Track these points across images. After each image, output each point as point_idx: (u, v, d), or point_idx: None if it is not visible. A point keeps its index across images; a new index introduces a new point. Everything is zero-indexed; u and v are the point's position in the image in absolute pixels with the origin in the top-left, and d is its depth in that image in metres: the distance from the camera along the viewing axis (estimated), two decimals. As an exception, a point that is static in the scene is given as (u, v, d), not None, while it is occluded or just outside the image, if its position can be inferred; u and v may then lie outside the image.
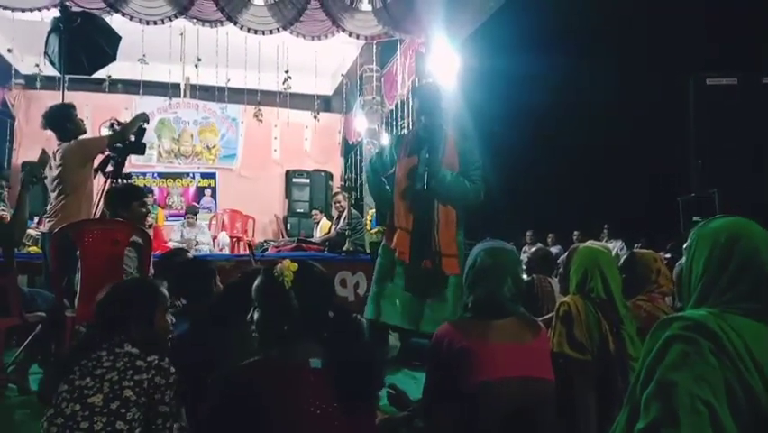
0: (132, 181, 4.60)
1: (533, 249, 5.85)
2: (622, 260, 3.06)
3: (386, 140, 8.27)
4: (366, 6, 7.28)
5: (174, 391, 1.86)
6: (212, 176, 10.07)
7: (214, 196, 10.00)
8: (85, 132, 4.42)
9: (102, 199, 4.09)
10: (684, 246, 1.49)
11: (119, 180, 4.42)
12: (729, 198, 5.62)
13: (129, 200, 3.61)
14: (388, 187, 3.82)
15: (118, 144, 4.31)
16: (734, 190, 5.69)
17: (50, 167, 4.06)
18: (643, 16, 8.72)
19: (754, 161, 6.11)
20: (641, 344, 2.31)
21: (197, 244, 7.87)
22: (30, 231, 6.20)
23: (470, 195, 3.53)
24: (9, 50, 8.45)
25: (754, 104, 6.18)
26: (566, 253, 2.66)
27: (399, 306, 3.47)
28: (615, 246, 9.51)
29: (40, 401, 2.93)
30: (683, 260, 1.48)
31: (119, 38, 5.85)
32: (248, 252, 4.43)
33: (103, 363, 1.83)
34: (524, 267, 4.49)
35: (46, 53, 5.63)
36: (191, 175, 10.01)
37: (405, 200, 3.52)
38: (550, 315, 2.65)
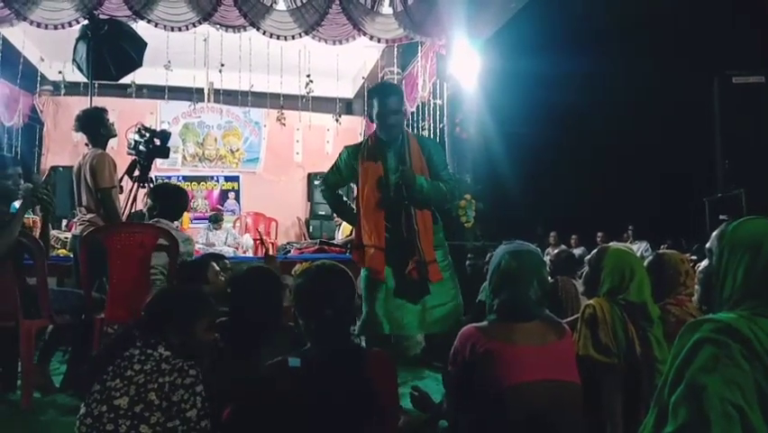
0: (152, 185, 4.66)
1: (556, 251, 5.81)
2: (647, 261, 3.02)
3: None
4: (387, 10, 7.28)
5: (194, 395, 1.83)
6: (235, 179, 10.18)
7: (237, 199, 10.11)
8: (115, 135, 4.50)
9: (145, 196, 4.15)
10: (707, 247, 1.45)
11: (145, 184, 4.49)
12: (756, 197, 5.52)
13: (183, 203, 3.70)
14: (347, 200, 3.70)
15: (142, 148, 4.39)
16: (761, 190, 5.59)
17: (81, 172, 4.15)
18: (668, 14, 8.60)
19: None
20: (668, 347, 2.29)
21: (238, 245, 7.99)
22: (58, 234, 6.35)
23: (447, 197, 3.36)
24: (42, 59, 8.63)
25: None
26: (592, 253, 2.62)
27: (399, 316, 3.24)
28: (639, 248, 9.38)
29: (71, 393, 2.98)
30: (707, 263, 1.44)
31: (145, 44, 5.96)
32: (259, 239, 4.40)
33: (133, 365, 1.84)
34: (548, 269, 4.49)
35: (74, 60, 5.75)
36: (215, 178, 10.14)
37: (377, 215, 3.24)
38: (574, 317, 2.63)
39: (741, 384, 1.12)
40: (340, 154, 3.54)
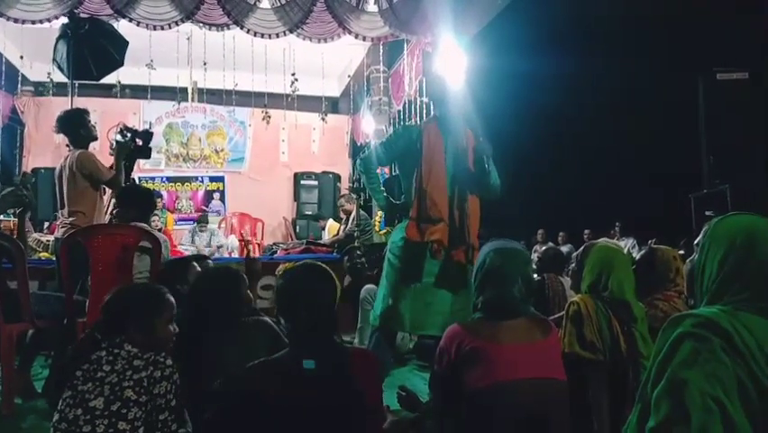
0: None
1: (543, 248, 5.82)
2: (638, 256, 3.02)
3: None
4: (372, 7, 7.26)
5: (174, 385, 1.87)
6: (220, 179, 10.12)
7: (222, 199, 10.05)
8: (96, 138, 4.44)
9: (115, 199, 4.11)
10: (696, 243, 1.46)
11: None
12: (741, 193, 5.56)
13: (150, 206, 3.64)
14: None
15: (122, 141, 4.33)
16: (746, 186, 5.62)
17: (63, 174, 4.09)
18: (652, 13, 8.64)
19: (766, 156, 6.04)
20: (653, 343, 2.28)
21: (219, 248, 7.95)
22: (40, 237, 6.27)
23: (499, 188, 3.40)
24: (21, 57, 8.52)
25: (764, 97, 6.11)
26: (580, 249, 2.62)
27: (429, 309, 3.21)
28: (627, 244, 9.44)
29: (47, 402, 2.95)
30: (694, 257, 1.45)
31: (126, 43, 5.88)
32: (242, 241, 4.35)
33: (102, 366, 1.84)
34: (534, 266, 4.49)
35: (54, 59, 5.66)
36: (200, 179, 10.07)
37: (443, 189, 3.26)
38: (561, 314, 2.62)
39: (721, 378, 1.13)
40: (396, 131, 3.71)
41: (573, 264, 2.62)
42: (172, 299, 2.09)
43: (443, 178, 3.27)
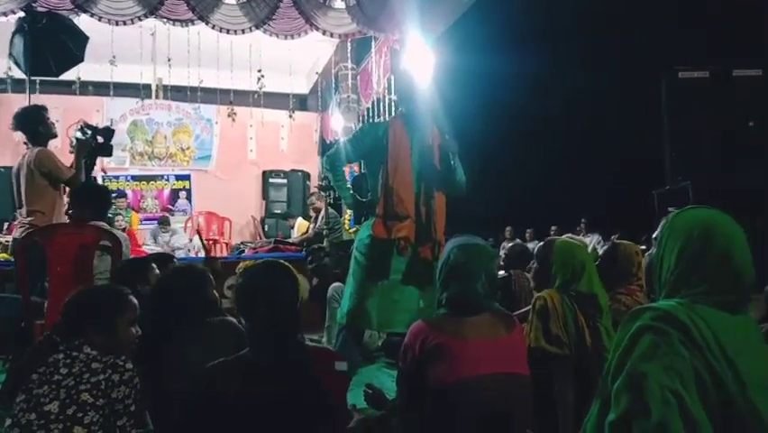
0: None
1: (510, 244, 5.87)
2: (601, 251, 3.06)
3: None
4: (339, 4, 7.23)
5: (134, 390, 1.82)
6: (187, 178, 9.95)
7: (189, 198, 9.89)
8: (55, 135, 4.31)
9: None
10: (654, 237, 1.47)
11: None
12: (703, 189, 5.68)
13: (103, 204, 3.55)
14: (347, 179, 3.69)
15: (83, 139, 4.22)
16: (707, 182, 5.75)
17: (20, 172, 3.96)
18: (615, 12, 8.79)
19: (727, 153, 6.19)
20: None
21: (175, 250, 7.79)
22: (-1, 238, 6.08)
23: (464, 185, 3.41)
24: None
25: (725, 96, 6.26)
26: (539, 247, 2.63)
27: (396, 306, 3.21)
28: (592, 240, 9.59)
29: (1, 407, 2.86)
30: (653, 251, 1.47)
31: (86, 38, 5.74)
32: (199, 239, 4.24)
33: (59, 369, 1.79)
34: (501, 263, 4.51)
35: (11, 54, 5.50)
36: (165, 177, 9.88)
37: (409, 185, 3.26)
38: (526, 309, 2.64)
39: (680, 371, 1.14)
40: (362, 129, 3.73)
41: (535, 264, 2.63)
42: (134, 300, 2.04)
43: (408, 175, 3.27)
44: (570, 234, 5.07)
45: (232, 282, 4.47)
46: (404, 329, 3.39)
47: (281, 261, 1.92)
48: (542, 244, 2.64)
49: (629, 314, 1.28)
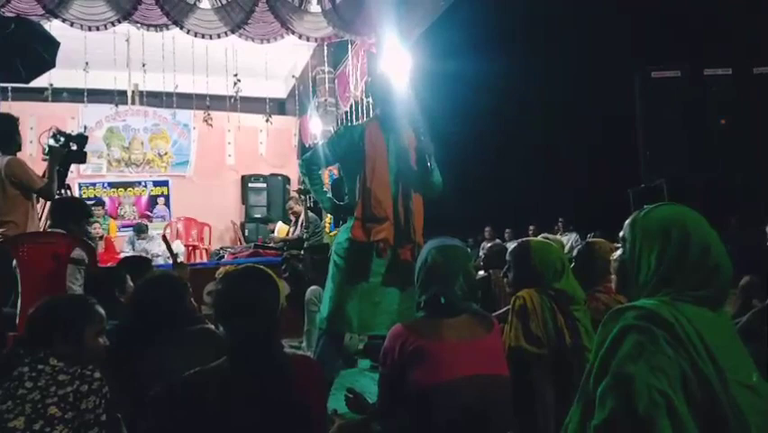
0: (70, 192, 4.42)
1: (489, 244, 5.89)
2: (576, 250, 3.07)
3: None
4: (315, 8, 7.22)
5: (103, 399, 1.77)
6: (165, 184, 9.85)
7: (167, 204, 9.78)
8: (21, 145, 4.23)
9: (47, 212, 3.94)
10: (621, 236, 1.45)
11: (62, 192, 4.26)
12: (677, 187, 5.77)
13: (77, 215, 3.48)
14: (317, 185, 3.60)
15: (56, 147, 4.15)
16: (681, 180, 5.85)
17: None
18: (588, 13, 8.89)
19: (700, 150, 6.30)
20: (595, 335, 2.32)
21: (156, 256, 7.68)
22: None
23: (439, 184, 3.36)
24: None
25: (697, 94, 6.38)
26: (513, 249, 2.62)
27: (377, 309, 3.19)
28: (569, 239, 9.67)
29: None
30: (621, 252, 1.44)
31: (57, 44, 5.63)
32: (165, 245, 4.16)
33: (24, 383, 1.73)
34: (481, 263, 4.52)
35: (-22, 60, 5.38)
36: (143, 184, 9.77)
37: (386, 187, 3.24)
38: (505, 309, 2.64)
39: (666, 371, 1.12)
40: (337, 132, 3.62)
41: (510, 265, 2.60)
42: (101, 310, 1.99)
43: (386, 176, 3.25)
44: (545, 235, 5.10)
45: (211, 288, 4.42)
46: (385, 332, 3.38)
47: (261, 266, 1.89)
48: (516, 245, 2.64)
49: (610, 313, 1.26)
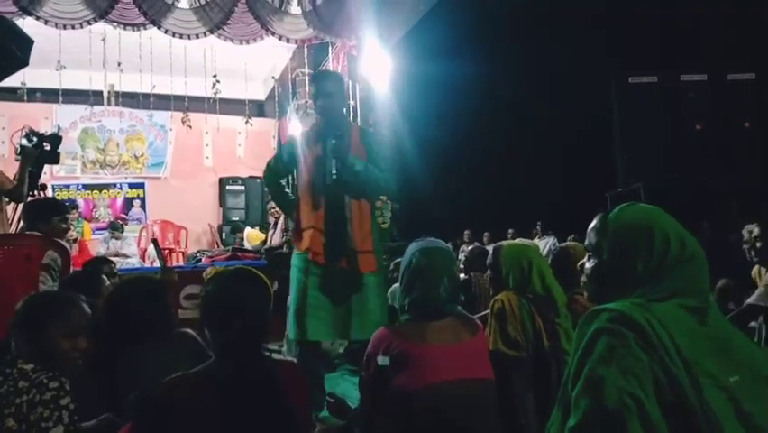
0: (44, 193, 4.32)
1: (470, 247, 5.90)
2: (552, 255, 3.08)
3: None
4: (295, 9, 7.18)
5: (58, 410, 1.62)
6: (140, 186, 9.70)
7: (143, 206, 9.64)
8: None
9: (19, 213, 3.84)
10: (588, 243, 1.42)
11: (35, 192, 4.16)
12: (653, 190, 5.85)
13: (49, 215, 3.38)
14: (288, 190, 3.57)
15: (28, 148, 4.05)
16: (657, 183, 5.93)
17: None
18: (568, 18, 8.99)
19: (675, 155, 6.40)
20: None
21: (126, 257, 7.55)
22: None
23: (380, 184, 3.25)
24: None
25: (673, 100, 6.48)
26: (491, 253, 2.63)
27: (325, 317, 3.13)
28: (547, 243, 9.73)
29: None
30: (594, 261, 1.40)
31: (31, 42, 5.50)
32: (156, 251, 4.07)
33: None
34: (461, 266, 4.53)
35: (-52, 58, 5.24)
36: (118, 186, 9.61)
37: (312, 196, 3.18)
38: (486, 312, 2.64)
39: (637, 374, 1.12)
40: (289, 139, 3.58)
41: (489, 271, 2.62)
42: (78, 308, 1.85)
43: (313, 184, 3.18)
44: (520, 239, 5.14)
45: (192, 292, 4.34)
46: (333, 338, 3.34)
47: (252, 268, 1.85)
48: (491, 250, 2.64)
49: (586, 316, 1.25)
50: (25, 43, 5.25)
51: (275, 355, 4.02)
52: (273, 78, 9.82)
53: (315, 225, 3.16)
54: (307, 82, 8.93)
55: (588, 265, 1.41)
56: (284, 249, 6.56)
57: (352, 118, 7.78)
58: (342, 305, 3.15)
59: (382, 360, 1.73)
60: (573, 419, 1.15)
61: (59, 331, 1.77)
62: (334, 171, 3.08)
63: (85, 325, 1.86)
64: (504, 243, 2.64)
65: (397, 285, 4.10)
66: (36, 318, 1.77)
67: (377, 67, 7.03)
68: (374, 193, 3.34)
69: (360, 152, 3.22)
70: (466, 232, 11.31)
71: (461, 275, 4.07)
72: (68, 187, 9.24)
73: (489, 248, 2.77)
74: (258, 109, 10.66)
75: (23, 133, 4.27)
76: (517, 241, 2.73)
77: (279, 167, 3.47)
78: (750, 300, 3.48)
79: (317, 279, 3.15)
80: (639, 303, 1.22)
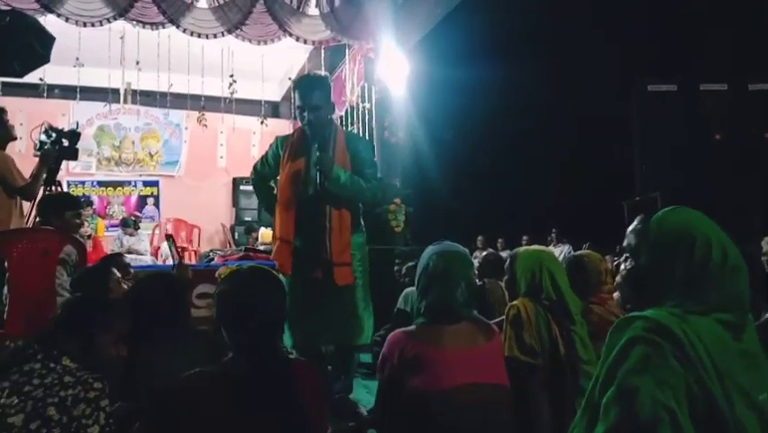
0: (60, 189, 4.36)
1: (483, 253, 5.87)
2: (566, 264, 3.05)
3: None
4: (313, 11, 7.18)
5: (99, 411, 1.68)
6: (155, 184, 9.77)
7: (157, 204, 9.69)
8: (15, 138, 4.18)
9: (34, 208, 3.86)
10: (628, 245, 1.38)
11: (52, 188, 4.20)
12: (672, 200, 5.79)
13: (62, 209, 3.40)
14: (276, 193, 3.48)
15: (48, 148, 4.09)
16: (676, 192, 5.86)
17: None
18: (589, 25, 8.95)
19: (694, 164, 6.33)
20: (592, 346, 2.30)
21: (139, 254, 7.59)
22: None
23: (366, 195, 3.20)
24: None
25: (692, 108, 6.41)
26: (508, 259, 2.61)
27: (314, 326, 3.11)
28: (563, 250, 9.66)
29: None
30: (632, 263, 1.37)
31: (53, 39, 5.56)
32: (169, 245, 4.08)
33: (32, 380, 1.67)
34: (476, 272, 4.49)
35: (-29, 54, 5.30)
36: (133, 183, 9.68)
37: (289, 209, 3.13)
38: (500, 318, 2.61)
39: (672, 385, 1.10)
40: (271, 144, 3.44)
41: (507, 276, 2.61)
42: (123, 319, 1.94)
43: (292, 193, 3.14)
44: (536, 246, 5.09)
45: (204, 290, 4.33)
46: (320, 343, 3.29)
47: (266, 267, 1.85)
48: (509, 255, 2.63)
49: (618, 322, 1.23)
50: (47, 40, 5.31)
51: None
52: (289, 78, 9.83)
53: (285, 235, 3.13)
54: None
55: (624, 267, 1.39)
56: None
57: (367, 121, 7.79)
58: (320, 311, 3.12)
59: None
60: (602, 427, 1.13)
61: (110, 338, 1.87)
62: (318, 183, 3.04)
63: (126, 333, 1.95)
64: (522, 248, 2.61)
65: (409, 289, 4.10)
66: (92, 323, 1.86)
67: (394, 70, 7.02)
68: (356, 203, 3.29)
69: (345, 157, 3.17)
70: (479, 238, 11.25)
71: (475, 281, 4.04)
72: (83, 183, 9.31)
73: (503, 254, 2.75)
74: (273, 110, 10.69)
75: (42, 129, 4.31)
76: (535, 246, 2.70)
77: (266, 171, 3.44)
78: (770, 314, 3.42)
79: (293, 299, 3.12)
80: (676, 313, 1.19)
